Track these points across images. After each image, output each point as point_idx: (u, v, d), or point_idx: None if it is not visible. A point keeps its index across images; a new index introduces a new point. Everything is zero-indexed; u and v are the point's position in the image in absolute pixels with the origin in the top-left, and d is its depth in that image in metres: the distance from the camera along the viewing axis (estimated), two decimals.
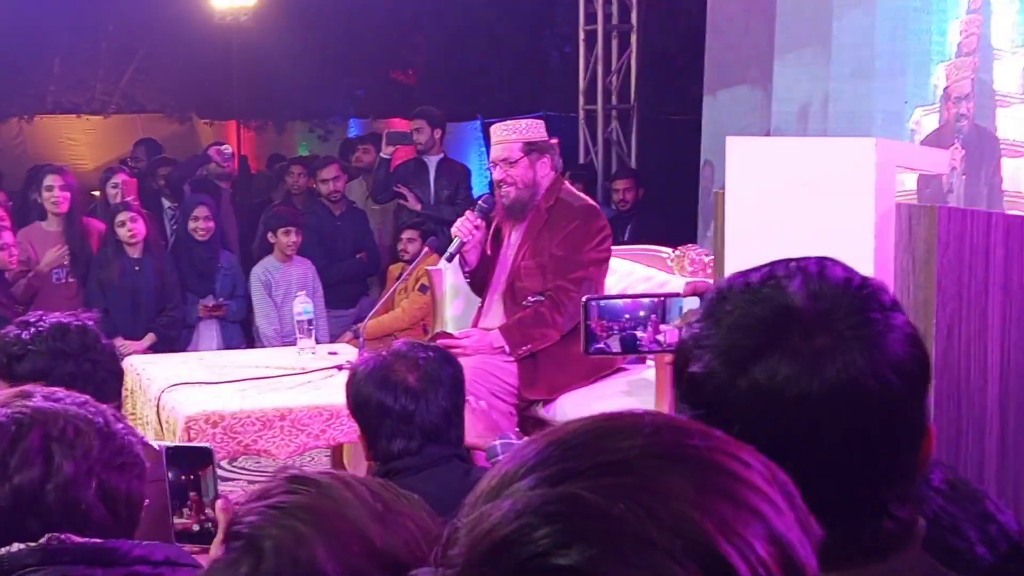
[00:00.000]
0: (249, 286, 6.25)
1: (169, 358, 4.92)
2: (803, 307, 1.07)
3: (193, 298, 6.23)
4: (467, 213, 4.41)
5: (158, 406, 4.00)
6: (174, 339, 5.98)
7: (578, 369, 4.26)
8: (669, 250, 4.91)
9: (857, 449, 1.05)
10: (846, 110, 6.05)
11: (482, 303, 4.50)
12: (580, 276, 4.23)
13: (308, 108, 12.86)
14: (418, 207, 6.76)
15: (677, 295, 2.22)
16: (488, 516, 0.70)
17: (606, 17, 8.55)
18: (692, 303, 2.12)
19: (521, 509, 0.69)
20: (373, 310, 5.19)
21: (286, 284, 6.12)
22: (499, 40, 12.42)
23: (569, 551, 0.66)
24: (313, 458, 4.97)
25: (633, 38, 8.56)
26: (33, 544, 1.34)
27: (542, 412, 4.31)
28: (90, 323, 2.52)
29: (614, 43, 8.62)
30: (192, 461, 1.95)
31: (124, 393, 4.18)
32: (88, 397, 1.53)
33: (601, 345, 2.24)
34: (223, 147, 6.94)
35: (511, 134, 4.34)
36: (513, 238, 4.41)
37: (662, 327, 2.17)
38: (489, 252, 4.43)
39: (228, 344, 6.14)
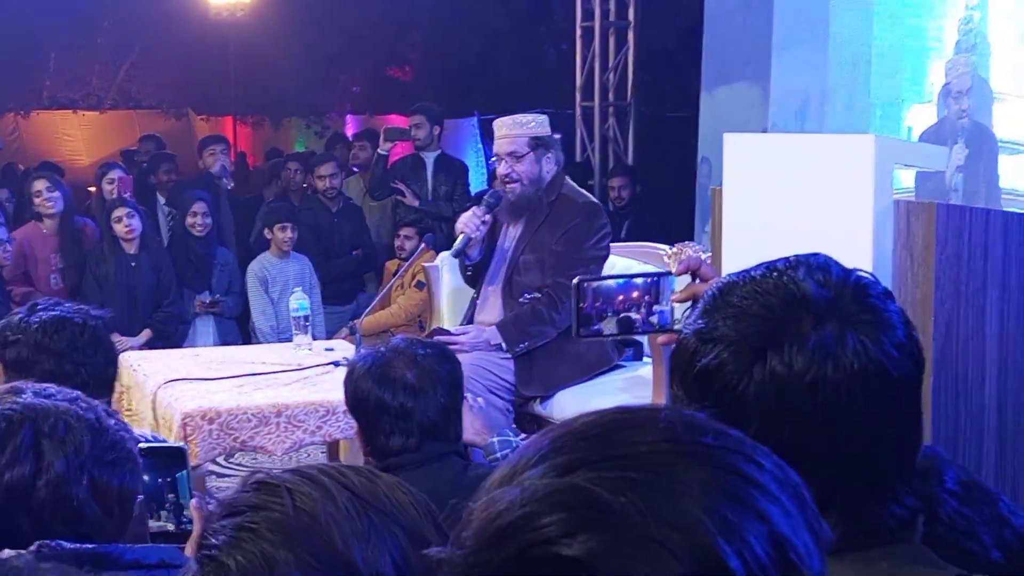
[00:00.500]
0: (245, 282, 6.24)
1: (165, 354, 4.91)
2: (812, 295, 1.09)
3: (189, 294, 6.22)
4: (473, 208, 4.37)
5: (154, 402, 3.99)
6: (170, 335, 5.98)
7: (575, 366, 4.25)
8: (666, 247, 4.90)
9: (870, 432, 1.07)
10: (843, 106, 6.05)
11: (476, 295, 4.49)
12: (579, 272, 4.22)
13: (304, 104, 12.85)
14: (415, 203, 6.76)
15: (669, 274, 2.21)
16: (497, 501, 0.71)
17: (603, 13, 8.54)
18: (685, 282, 2.12)
19: (528, 497, 0.70)
20: (370, 306, 5.19)
21: (283, 280, 6.11)
22: (496, 36, 12.41)
23: (571, 541, 0.67)
24: (309, 454, 4.96)
25: (630, 34, 8.55)
26: (23, 552, 1.32)
27: (539, 409, 4.31)
28: (97, 322, 2.52)
29: (611, 39, 8.61)
30: (168, 462, 1.93)
31: (120, 390, 4.18)
32: (79, 393, 1.52)
33: (598, 327, 2.23)
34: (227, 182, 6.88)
35: (517, 128, 4.31)
36: (512, 232, 4.39)
37: (655, 308, 2.16)
38: (486, 244, 4.42)
39: (224, 340, 6.13)
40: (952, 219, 2.58)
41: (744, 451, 0.75)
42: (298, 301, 4.66)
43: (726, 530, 0.68)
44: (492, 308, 4.38)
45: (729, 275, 1.15)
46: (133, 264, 5.87)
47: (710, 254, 3.45)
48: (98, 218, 6.21)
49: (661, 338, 1.78)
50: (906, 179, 5.08)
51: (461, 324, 4.48)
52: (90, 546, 1.33)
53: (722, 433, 0.76)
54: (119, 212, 5.83)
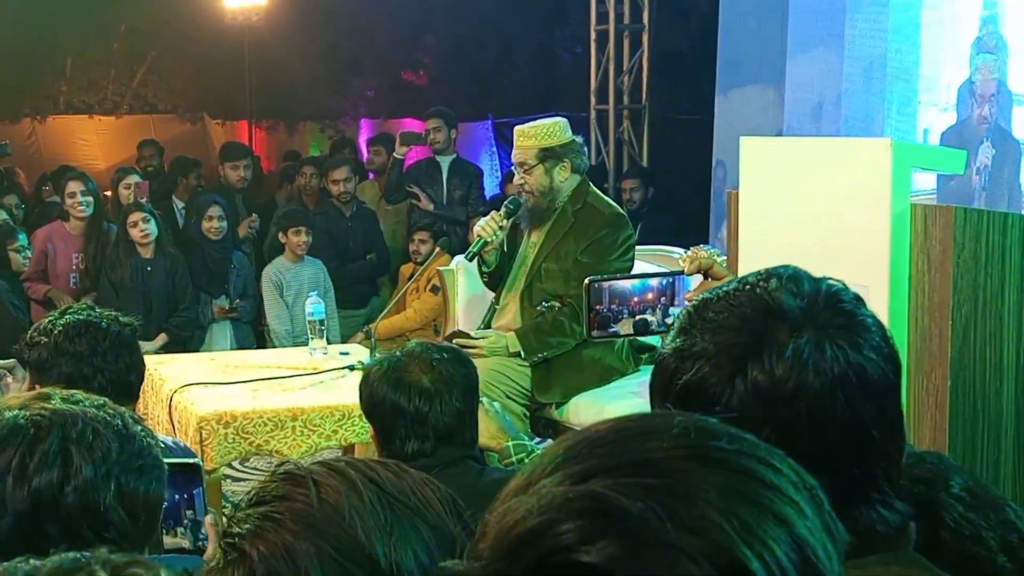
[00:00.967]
0: (260, 286, 6.25)
1: (181, 358, 4.92)
2: (786, 305, 1.10)
3: (206, 298, 6.24)
4: (492, 213, 4.34)
5: (170, 406, 4.00)
6: (186, 339, 6.00)
7: (592, 374, 4.24)
8: (680, 250, 4.89)
9: (854, 435, 1.08)
10: (858, 109, 6.04)
11: (496, 301, 4.48)
12: None
13: (319, 108, 12.86)
14: (430, 207, 6.77)
15: (682, 274, 2.21)
16: (514, 510, 0.71)
17: (618, 17, 8.54)
18: (697, 281, 2.12)
19: (545, 504, 0.70)
20: (384, 310, 5.19)
21: (297, 284, 6.12)
22: (510, 40, 12.42)
23: (590, 548, 0.67)
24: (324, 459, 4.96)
25: (645, 38, 8.54)
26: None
27: (555, 414, 4.30)
28: (123, 328, 2.54)
29: (625, 43, 8.60)
30: (185, 478, 1.92)
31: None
32: (106, 399, 1.52)
33: (614, 329, 2.22)
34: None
35: (528, 139, 4.27)
36: (535, 238, 4.36)
37: (671, 309, 2.16)
38: (506, 249, 4.41)
39: (240, 344, 6.15)
40: (970, 223, 2.57)
41: (759, 455, 0.75)
42: (313, 305, 4.67)
43: (746, 534, 0.68)
44: (510, 313, 4.37)
45: (703, 293, 1.17)
46: (148, 268, 5.88)
47: (725, 257, 3.44)
48: (115, 222, 6.25)
49: None
50: (925, 182, 5.06)
51: (480, 328, 4.48)
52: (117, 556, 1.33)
53: (737, 437, 0.76)
54: (135, 216, 5.85)
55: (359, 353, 4.60)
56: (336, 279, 6.37)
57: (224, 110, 12.47)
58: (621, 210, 4.48)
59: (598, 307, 2.24)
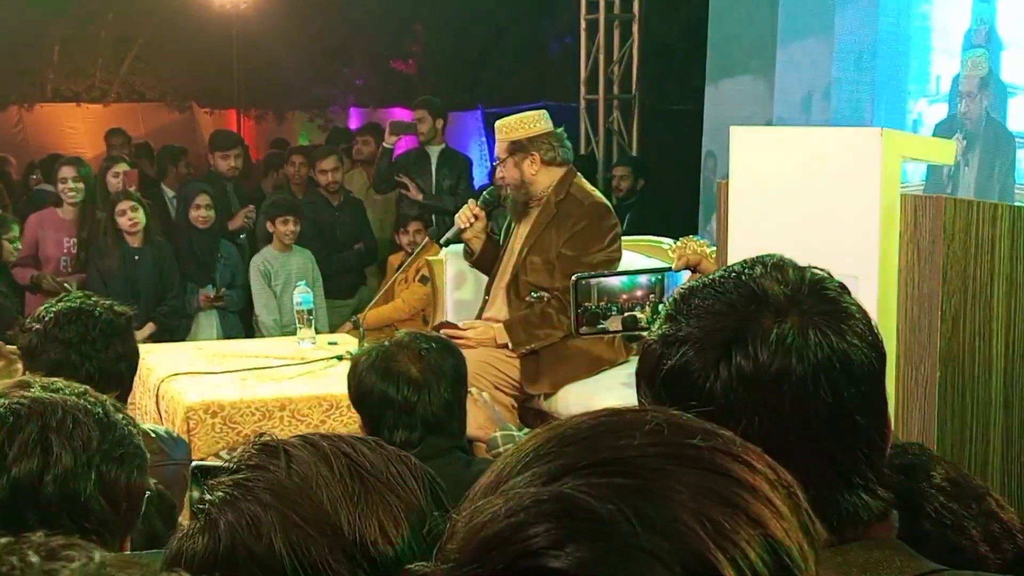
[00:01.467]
0: (248, 275, 6.23)
1: (169, 347, 4.91)
2: (771, 291, 1.11)
3: (192, 287, 6.22)
4: (469, 202, 4.43)
5: (157, 396, 3.98)
6: (173, 328, 5.98)
7: (581, 365, 4.24)
8: (670, 240, 4.89)
9: (838, 421, 1.09)
10: (848, 100, 6.03)
11: (487, 294, 4.49)
12: None
13: (308, 97, 12.83)
14: (419, 197, 6.75)
15: (670, 270, 2.21)
16: (482, 511, 0.69)
17: (608, 6, 8.52)
18: (687, 277, 2.11)
19: (514, 506, 0.68)
20: (373, 301, 5.18)
21: (285, 274, 6.10)
22: (500, 29, 12.39)
23: (559, 553, 0.65)
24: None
25: (635, 27, 8.53)
26: None
27: (543, 405, 4.30)
28: (116, 317, 2.53)
29: (615, 32, 8.58)
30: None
31: None
32: (87, 387, 1.51)
33: (603, 325, 2.21)
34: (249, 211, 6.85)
35: (501, 133, 4.37)
36: (521, 230, 4.39)
37: (660, 306, 2.15)
38: (501, 242, 4.44)
39: (227, 334, 6.12)
40: (960, 213, 2.57)
41: (734, 452, 0.73)
42: (302, 295, 4.65)
43: (718, 536, 0.67)
44: (499, 306, 4.39)
45: (689, 282, 1.19)
46: (136, 257, 5.86)
47: (714, 248, 3.44)
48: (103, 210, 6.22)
49: None
50: (914, 174, 5.06)
51: (472, 320, 4.49)
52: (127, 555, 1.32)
53: (711, 434, 0.74)
54: (123, 205, 5.83)
55: (347, 343, 4.59)
56: (324, 269, 6.36)
57: (212, 99, 12.43)
58: (603, 199, 4.48)
59: (586, 303, 2.23)
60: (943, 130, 5.41)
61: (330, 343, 4.64)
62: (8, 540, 0.70)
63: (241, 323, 6.37)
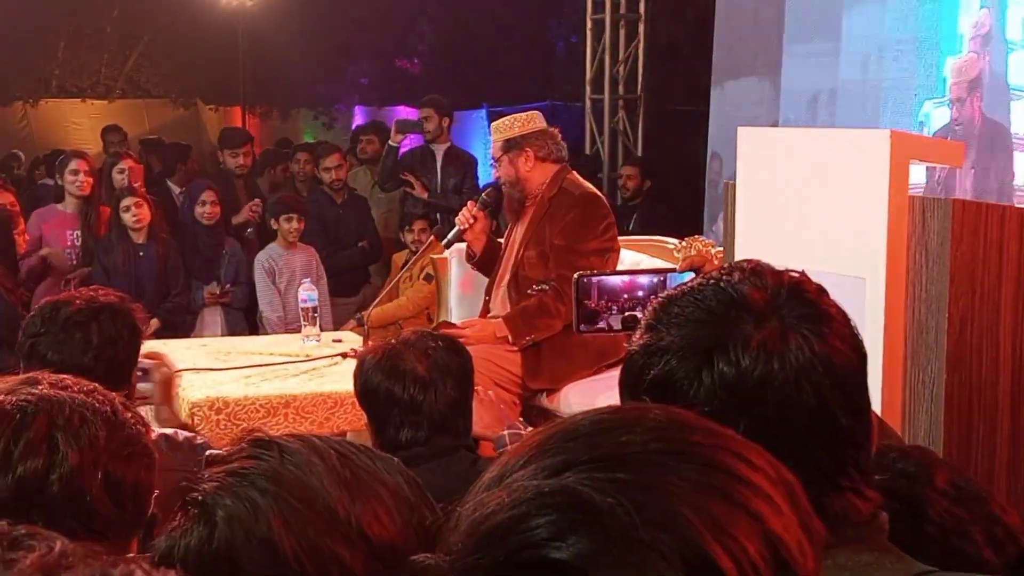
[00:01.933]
0: (253, 273, 6.23)
1: (173, 344, 4.90)
2: (749, 296, 1.12)
3: (197, 284, 6.21)
4: (468, 203, 4.47)
5: None
6: (178, 325, 5.97)
7: (582, 359, 4.24)
8: (675, 241, 4.88)
9: (822, 423, 1.09)
10: (855, 101, 6.02)
11: (488, 295, 4.50)
12: (583, 266, 4.21)
13: (313, 95, 12.82)
14: (424, 195, 6.75)
15: (673, 270, 2.21)
16: (486, 503, 0.70)
17: (614, 6, 8.51)
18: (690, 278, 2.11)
19: (516, 498, 0.69)
20: (377, 299, 5.18)
21: (290, 271, 6.10)
22: (505, 29, 12.38)
23: (560, 544, 0.66)
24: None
25: (641, 28, 8.52)
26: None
27: (546, 402, 4.29)
28: (129, 314, 2.51)
29: (622, 32, 8.58)
30: None
31: None
32: (96, 385, 1.49)
33: (603, 323, 2.21)
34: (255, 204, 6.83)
35: (496, 133, 4.44)
36: (519, 229, 4.43)
37: None
38: (502, 243, 4.46)
39: (232, 331, 6.12)
40: (968, 216, 2.56)
41: (734, 449, 0.74)
42: (306, 292, 4.65)
43: (717, 530, 0.68)
44: (500, 305, 4.41)
45: (668, 291, 1.19)
46: (141, 254, 5.86)
47: (720, 248, 3.43)
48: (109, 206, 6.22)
49: None
50: (916, 176, 5.05)
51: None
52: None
53: (712, 431, 0.75)
54: (128, 201, 5.82)
55: (352, 341, 4.58)
56: (328, 266, 6.36)
57: (217, 96, 12.42)
58: (595, 190, 4.51)
59: (587, 302, 2.23)
60: (943, 134, 5.41)
61: (334, 340, 4.63)
62: None
63: (246, 320, 6.37)
